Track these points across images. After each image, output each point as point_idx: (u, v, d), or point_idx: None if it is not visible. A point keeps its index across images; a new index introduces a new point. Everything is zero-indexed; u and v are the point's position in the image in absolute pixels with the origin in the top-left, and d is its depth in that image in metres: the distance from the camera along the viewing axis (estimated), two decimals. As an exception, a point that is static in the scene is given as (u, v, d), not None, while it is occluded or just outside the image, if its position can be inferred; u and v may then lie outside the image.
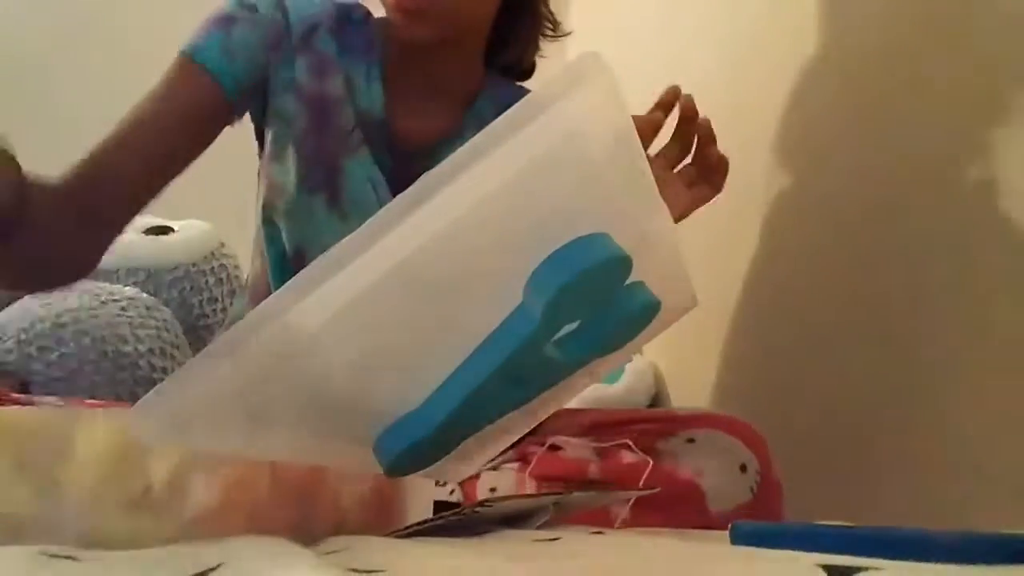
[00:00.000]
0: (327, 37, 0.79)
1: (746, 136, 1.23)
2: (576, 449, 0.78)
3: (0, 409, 0.37)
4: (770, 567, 0.34)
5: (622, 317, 0.44)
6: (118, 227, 0.76)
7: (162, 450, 0.37)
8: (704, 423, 0.79)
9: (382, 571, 0.35)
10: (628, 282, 0.42)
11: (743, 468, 0.76)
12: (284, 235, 0.82)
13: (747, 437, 0.77)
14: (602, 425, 0.81)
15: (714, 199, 0.86)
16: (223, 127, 0.81)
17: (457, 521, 0.52)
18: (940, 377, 0.82)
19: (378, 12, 0.84)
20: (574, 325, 0.44)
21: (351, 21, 0.82)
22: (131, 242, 1.44)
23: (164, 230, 1.37)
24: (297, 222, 0.80)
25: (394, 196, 0.92)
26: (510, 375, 0.43)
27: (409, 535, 0.50)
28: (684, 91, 0.84)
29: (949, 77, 0.83)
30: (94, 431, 0.35)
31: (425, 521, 0.52)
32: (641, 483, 0.73)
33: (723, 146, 1.29)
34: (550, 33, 0.88)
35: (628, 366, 1.41)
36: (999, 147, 0.77)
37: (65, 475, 0.34)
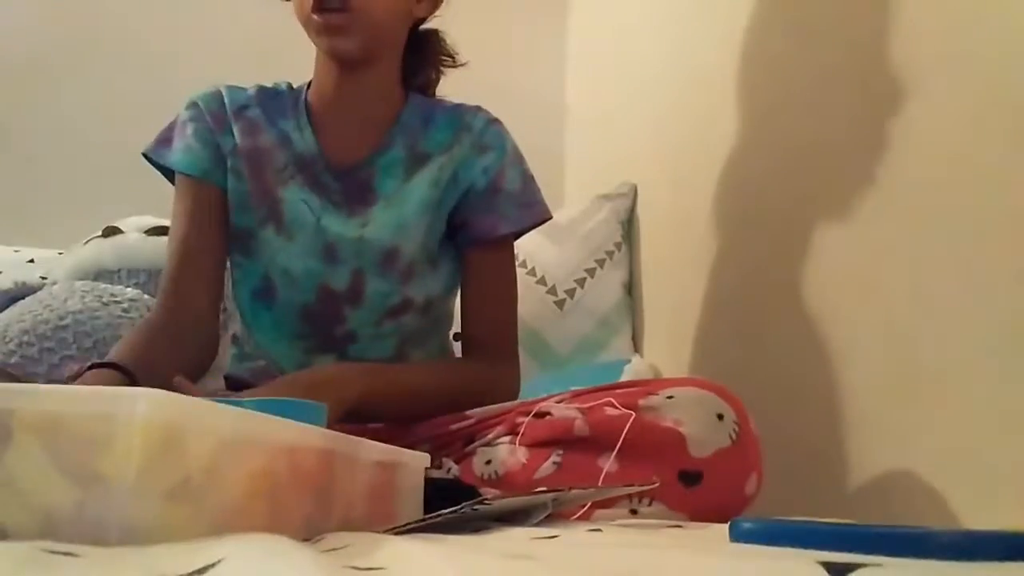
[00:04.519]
0: (255, 109, 1.04)
1: (747, 133, 1.23)
2: (561, 411, 0.84)
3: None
4: (770, 564, 0.34)
5: None
6: (215, 326, 1.00)
7: (198, 439, 0.37)
8: (681, 383, 0.85)
9: (382, 568, 0.35)
10: None
11: (720, 417, 0.81)
12: (249, 267, 1.02)
13: (723, 393, 0.83)
14: (585, 392, 0.87)
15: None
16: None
17: (456, 518, 0.52)
18: (941, 376, 0.82)
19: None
20: None
21: (278, 94, 1.06)
22: (132, 243, 1.44)
23: (165, 231, 1.38)
24: (257, 254, 1.01)
25: (334, 206, 0.99)
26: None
27: (408, 532, 0.50)
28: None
29: (948, 73, 0.83)
30: (132, 422, 0.34)
31: (424, 518, 0.53)
32: (624, 433, 0.79)
33: (724, 143, 1.29)
34: (449, 64, 1.10)
35: (627, 367, 1.41)
36: (1001, 142, 0.77)
37: (106, 467, 0.34)
